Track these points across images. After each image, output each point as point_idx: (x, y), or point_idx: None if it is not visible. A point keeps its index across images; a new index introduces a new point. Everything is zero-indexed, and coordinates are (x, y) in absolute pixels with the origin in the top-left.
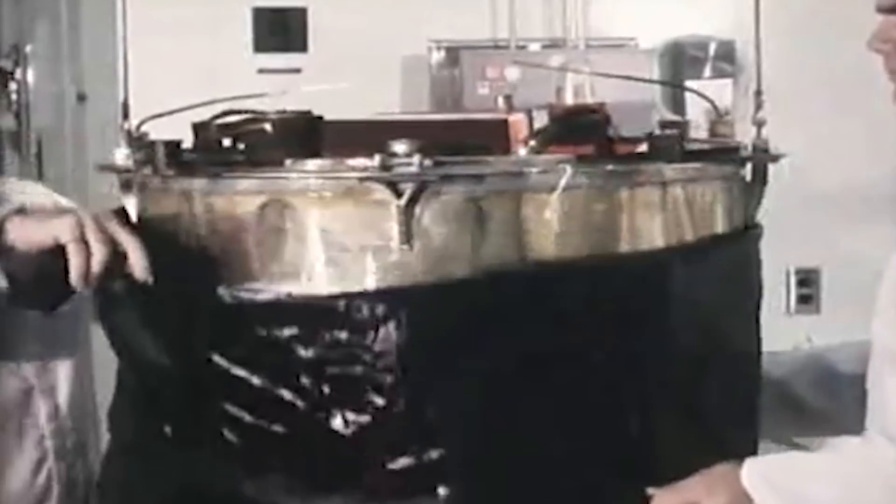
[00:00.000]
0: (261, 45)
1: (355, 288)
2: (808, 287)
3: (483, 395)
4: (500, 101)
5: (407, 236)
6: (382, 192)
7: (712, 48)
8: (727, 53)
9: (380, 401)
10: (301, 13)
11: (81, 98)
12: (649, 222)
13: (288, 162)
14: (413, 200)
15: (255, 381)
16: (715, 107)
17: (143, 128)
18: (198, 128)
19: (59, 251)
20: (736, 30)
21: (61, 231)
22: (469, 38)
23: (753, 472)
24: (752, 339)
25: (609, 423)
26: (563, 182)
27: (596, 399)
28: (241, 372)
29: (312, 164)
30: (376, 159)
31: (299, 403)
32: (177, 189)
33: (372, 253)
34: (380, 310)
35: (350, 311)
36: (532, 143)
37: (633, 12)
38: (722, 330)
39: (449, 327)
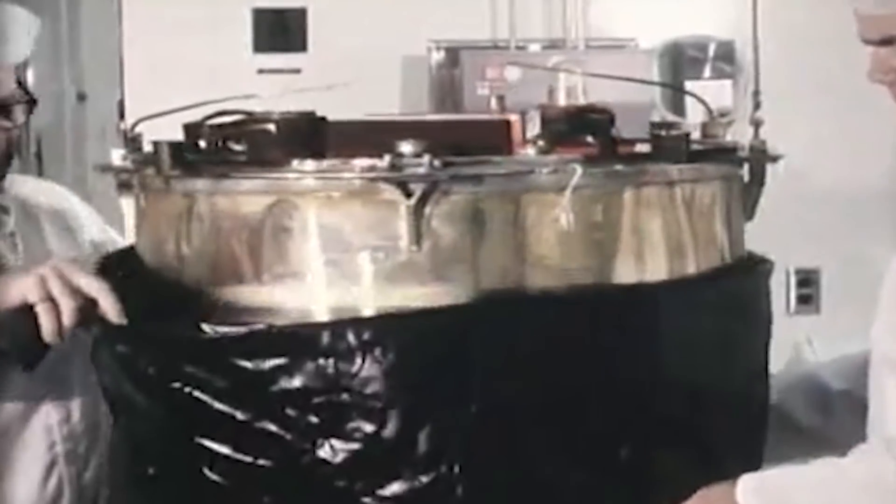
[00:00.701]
0: (261, 46)
1: (360, 287)
2: (808, 287)
3: (473, 419)
4: (493, 101)
5: (416, 237)
6: (391, 193)
7: (712, 49)
8: (727, 54)
9: (369, 427)
10: (301, 13)
11: (81, 98)
12: (653, 222)
13: (295, 162)
14: (423, 201)
15: (240, 415)
16: (707, 108)
17: (145, 128)
18: (189, 128)
19: (30, 310)
20: (735, 30)
21: (27, 291)
22: (469, 38)
23: (748, 489)
24: (760, 374)
25: (604, 450)
26: (573, 182)
27: (590, 425)
28: (224, 407)
29: (321, 164)
30: (386, 160)
31: (286, 435)
32: (180, 189)
33: (380, 253)
34: (366, 336)
35: (335, 340)
36: (540, 142)
37: (632, 13)
38: (727, 364)
39: (436, 353)
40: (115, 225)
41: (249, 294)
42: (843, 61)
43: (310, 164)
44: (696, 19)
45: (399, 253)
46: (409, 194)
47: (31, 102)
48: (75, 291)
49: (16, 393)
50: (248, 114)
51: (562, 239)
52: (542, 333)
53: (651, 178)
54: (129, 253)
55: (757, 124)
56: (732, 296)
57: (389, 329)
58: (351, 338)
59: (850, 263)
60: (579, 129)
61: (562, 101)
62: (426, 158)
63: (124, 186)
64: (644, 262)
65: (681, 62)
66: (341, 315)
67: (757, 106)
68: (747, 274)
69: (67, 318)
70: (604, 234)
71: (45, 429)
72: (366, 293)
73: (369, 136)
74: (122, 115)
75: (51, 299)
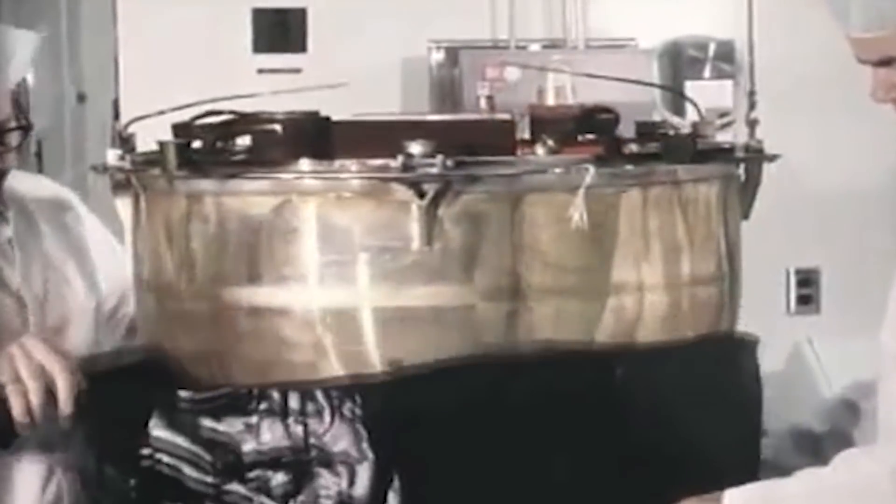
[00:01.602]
0: (260, 46)
1: (370, 288)
2: (808, 287)
3: (441, 476)
4: (483, 101)
5: (428, 237)
6: (403, 193)
7: (712, 48)
8: (727, 54)
9: (339, 487)
10: (301, 13)
11: (81, 98)
12: (659, 222)
13: (306, 162)
14: (436, 201)
15: (210, 479)
16: (697, 109)
17: (143, 128)
18: (177, 128)
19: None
20: (735, 30)
21: None
22: (469, 38)
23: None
24: (748, 441)
25: None
26: (586, 181)
27: (561, 481)
28: (193, 471)
29: (333, 164)
30: (399, 160)
31: (256, 497)
32: (184, 190)
33: (390, 254)
34: (335, 395)
35: (305, 400)
36: (549, 142)
37: (632, 13)
38: (708, 432)
39: (404, 410)
40: (112, 225)
41: (256, 295)
42: (844, 60)
43: (321, 164)
44: (696, 19)
45: (410, 253)
46: (422, 195)
47: (27, 129)
48: (42, 372)
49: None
50: (238, 113)
51: (571, 239)
52: (510, 394)
53: (658, 178)
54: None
55: (752, 124)
56: (713, 369)
57: (358, 388)
58: (320, 397)
59: (851, 263)
60: (588, 129)
61: (550, 101)
62: (439, 159)
63: (120, 187)
64: (649, 262)
65: (681, 62)
66: (349, 314)
67: (752, 106)
68: (730, 348)
69: (35, 398)
70: (612, 234)
71: (41, 436)
72: (376, 294)
73: (373, 136)
74: (116, 116)
75: (20, 381)
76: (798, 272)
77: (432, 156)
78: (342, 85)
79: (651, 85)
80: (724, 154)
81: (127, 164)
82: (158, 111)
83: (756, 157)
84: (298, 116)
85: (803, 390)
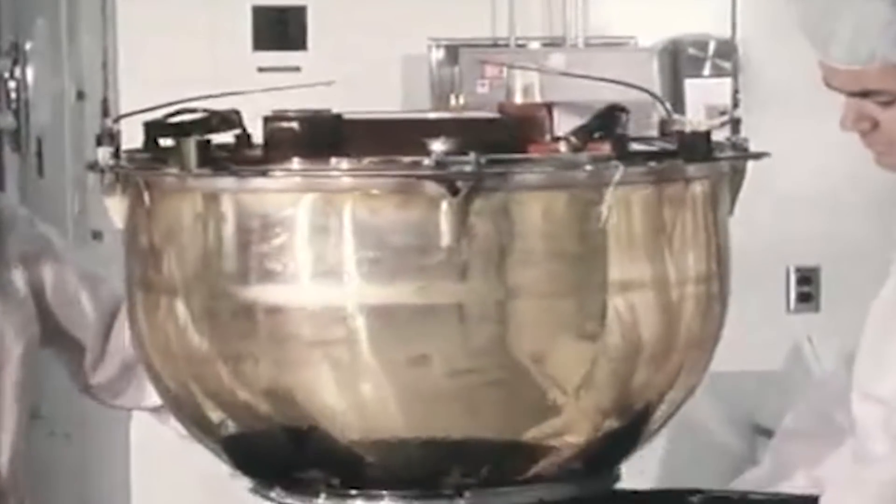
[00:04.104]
0: (260, 44)
1: (397, 286)
2: (807, 285)
3: None
4: (453, 99)
5: (459, 235)
6: (434, 190)
7: (712, 47)
8: (727, 52)
9: None
10: (301, 11)
11: (81, 96)
12: (672, 218)
13: (334, 160)
14: (468, 198)
15: None
16: (665, 108)
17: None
18: (149, 127)
19: None
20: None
21: None
22: (469, 36)
23: None
24: None
25: None
26: (616, 178)
27: None
28: None
29: (363, 161)
30: (432, 157)
31: None
32: (198, 188)
33: (419, 251)
34: None
35: None
36: (573, 139)
37: (632, 11)
38: None
39: None
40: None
41: (275, 293)
42: None
43: (350, 162)
44: (696, 17)
45: (439, 251)
46: (455, 192)
47: None
48: None
49: None
50: (211, 111)
51: (602, 234)
52: None
53: (669, 176)
54: None
55: (736, 123)
56: None
57: None
58: None
59: (851, 261)
60: (607, 126)
61: (518, 99)
62: (472, 156)
63: (111, 185)
64: (663, 260)
65: (681, 60)
66: (376, 311)
67: (736, 104)
68: None
69: None
70: (633, 231)
71: None
72: (404, 291)
73: (384, 134)
74: (105, 114)
75: None
76: (798, 270)
77: (464, 153)
78: (331, 83)
79: (628, 85)
80: (717, 151)
81: (125, 162)
82: (145, 108)
83: (750, 155)
84: (310, 114)
85: (803, 389)
